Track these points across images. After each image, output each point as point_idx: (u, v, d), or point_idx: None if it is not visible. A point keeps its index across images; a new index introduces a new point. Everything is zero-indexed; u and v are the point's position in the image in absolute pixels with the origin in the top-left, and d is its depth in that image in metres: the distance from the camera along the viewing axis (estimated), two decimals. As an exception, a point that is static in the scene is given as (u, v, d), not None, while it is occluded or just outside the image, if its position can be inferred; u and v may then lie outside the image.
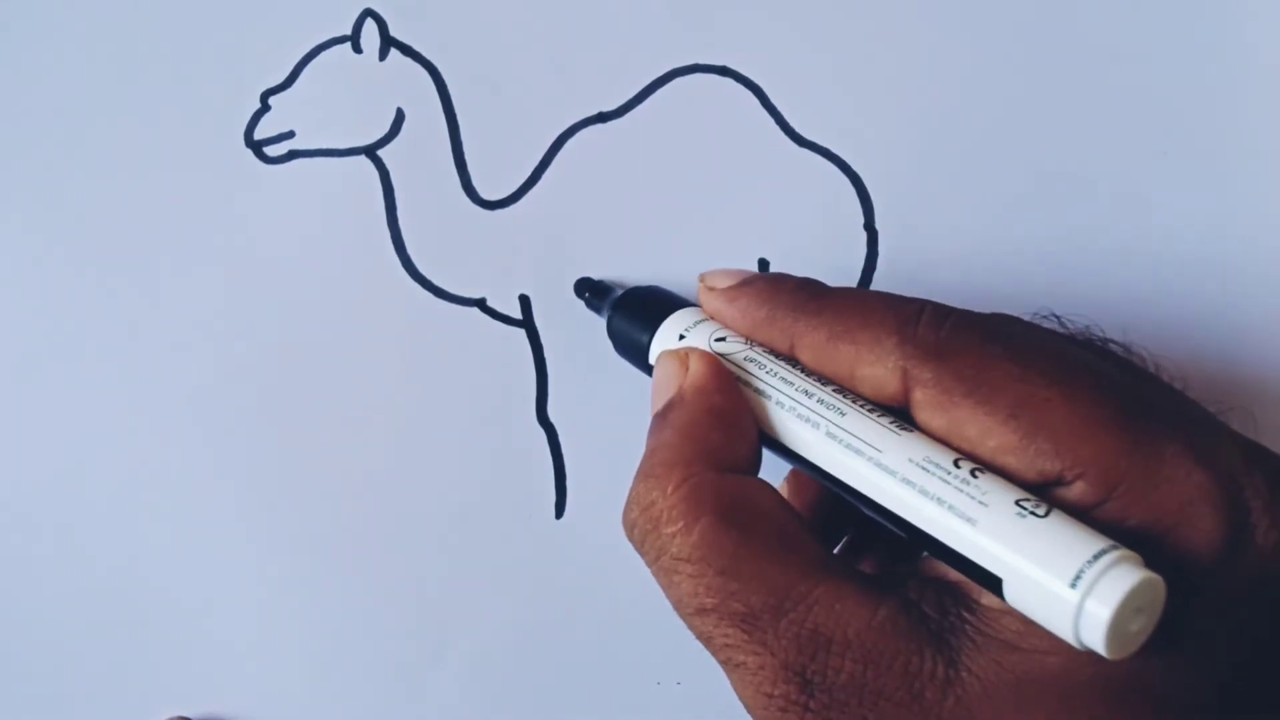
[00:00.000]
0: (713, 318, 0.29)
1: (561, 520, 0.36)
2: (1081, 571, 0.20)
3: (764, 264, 0.35)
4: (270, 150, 0.36)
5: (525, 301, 0.36)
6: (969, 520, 0.22)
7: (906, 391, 0.24)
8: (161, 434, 0.36)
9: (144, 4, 0.36)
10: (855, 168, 0.35)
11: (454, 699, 0.36)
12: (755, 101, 0.35)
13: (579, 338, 0.35)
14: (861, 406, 0.25)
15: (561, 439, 0.36)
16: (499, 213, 0.36)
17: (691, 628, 0.24)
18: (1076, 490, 0.21)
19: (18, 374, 0.36)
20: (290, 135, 0.36)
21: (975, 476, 0.22)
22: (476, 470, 0.36)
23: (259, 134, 0.36)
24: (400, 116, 0.36)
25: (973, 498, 0.22)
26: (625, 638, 0.36)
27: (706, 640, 0.24)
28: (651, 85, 0.35)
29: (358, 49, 0.36)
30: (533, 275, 0.36)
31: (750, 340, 0.28)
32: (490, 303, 0.36)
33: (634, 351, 0.31)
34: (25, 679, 0.37)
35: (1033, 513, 0.21)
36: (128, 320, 0.36)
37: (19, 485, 0.36)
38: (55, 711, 0.37)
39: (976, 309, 0.25)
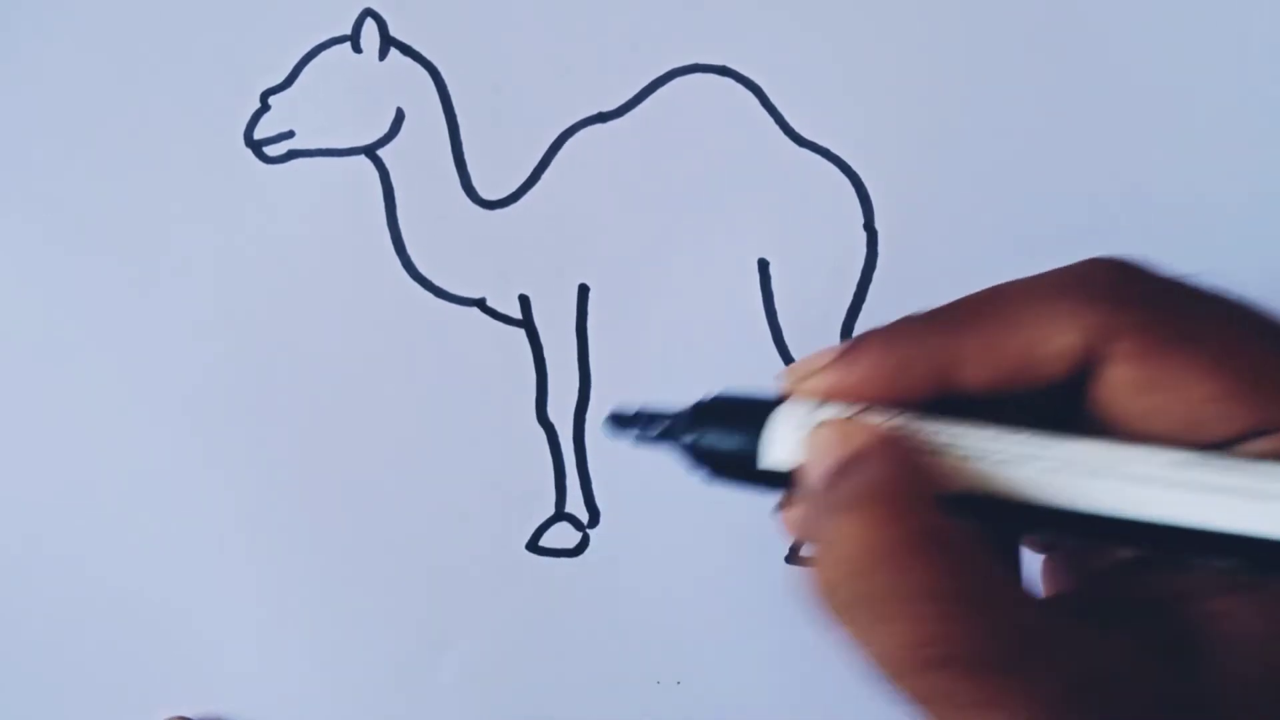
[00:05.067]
0: (826, 398, 0.25)
1: (561, 520, 0.36)
2: None
3: (764, 264, 0.35)
4: (270, 150, 0.36)
5: (525, 301, 0.36)
6: (1268, 499, 0.20)
7: (1096, 349, 0.22)
8: (161, 434, 0.36)
9: (144, 4, 0.36)
10: (855, 168, 0.35)
11: (454, 699, 0.36)
12: (755, 101, 0.35)
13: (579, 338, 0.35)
14: (1051, 434, 0.23)
15: (561, 439, 0.36)
16: (499, 213, 0.36)
17: (914, 687, 0.21)
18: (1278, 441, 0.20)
19: (18, 374, 0.36)
20: (290, 135, 0.36)
21: (1232, 459, 0.20)
22: (476, 470, 0.36)
23: (259, 134, 0.36)
24: (400, 116, 0.36)
25: (1263, 492, 0.20)
26: (625, 637, 0.36)
27: (938, 699, 0.20)
28: (651, 85, 0.35)
29: (357, 49, 0.36)
30: (533, 275, 0.36)
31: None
32: (490, 303, 0.36)
33: (735, 465, 0.26)
34: (25, 679, 0.37)
35: None
36: (127, 320, 0.36)
37: (19, 485, 0.36)
38: (55, 711, 0.37)
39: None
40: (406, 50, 0.36)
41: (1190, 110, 0.34)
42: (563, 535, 0.36)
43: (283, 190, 0.36)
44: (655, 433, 0.28)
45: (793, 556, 0.36)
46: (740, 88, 0.35)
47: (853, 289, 0.35)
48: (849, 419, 0.24)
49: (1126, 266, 0.23)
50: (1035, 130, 0.34)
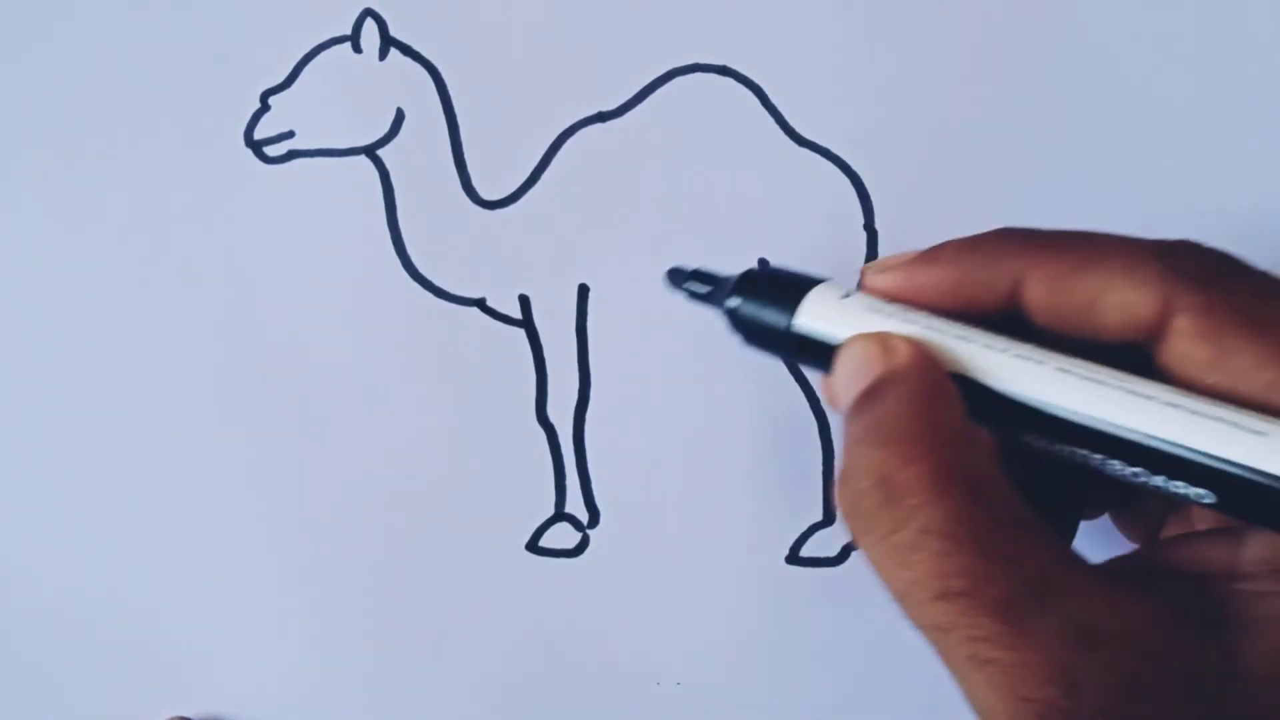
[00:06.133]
0: (896, 296, 0.26)
1: (561, 520, 0.36)
2: None
3: (764, 264, 0.35)
4: (270, 150, 0.36)
5: (525, 301, 0.36)
6: (1258, 432, 0.20)
7: (1164, 319, 0.22)
8: (160, 434, 0.36)
9: (144, 4, 0.36)
10: (855, 168, 0.35)
11: (454, 699, 0.36)
12: (755, 101, 0.35)
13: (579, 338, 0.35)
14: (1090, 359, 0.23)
15: (561, 439, 0.36)
16: (499, 213, 0.36)
17: (923, 617, 0.21)
18: None
19: (18, 374, 0.36)
20: (290, 135, 0.36)
21: (1241, 410, 0.21)
22: (476, 470, 0.36)
23: (259, 134, 0.36)
24: (400, 116, 0.36)
25: (1254, 427, 0.20)
26: (625, 637, 0.36)
27: (944, 631, 0.21)
28: (651, 85, 0.35)
29: (357, 49, 0.36)
30: (533, 275, 0.36)
31: (928, 318, 0.25)
32: (490, 303, 0.36)
33: (774, 339, 0.28)
34: (25, 679, 0.37)
35: None
36: (126, 320, 0.36)
37: (19, 485, 0.36)
38: (55, 711, 0.37)
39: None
40: (406, 50, 0.36)
41: (1191, 111, 0.34)
42: (563, 535, 0.36)
43: (283, 190, 0.36)
44: (703, 293, 0.30)
45: (793, 557, 0.36)
46: (740, 88, 0.35)
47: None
48: (878, 334, 0.24)
49: (1211, 252, 0.23)
50: (1035, 130, 0.34)
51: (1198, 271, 0.22)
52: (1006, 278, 0.24)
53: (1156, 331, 0.22)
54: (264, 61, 0.36)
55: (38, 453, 0.36)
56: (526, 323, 0.36)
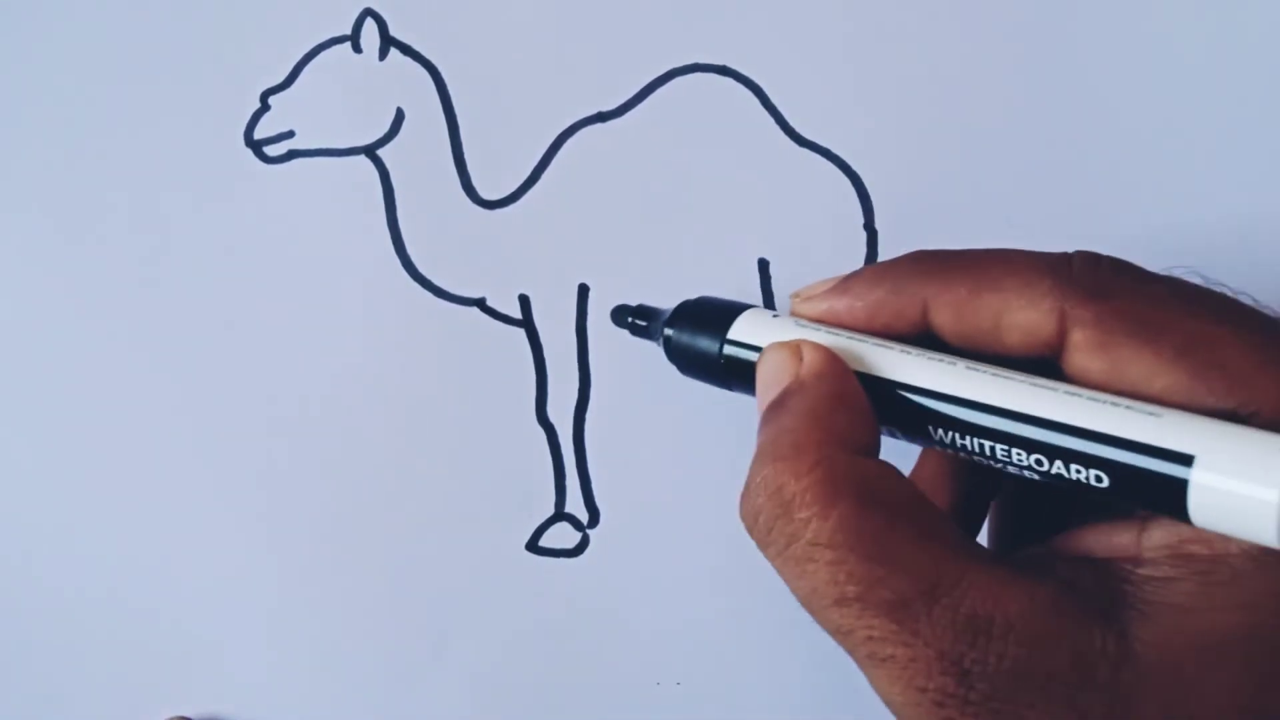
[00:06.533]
0: (820, 322, 0.27)
1: (561, 520, 0.36)
2: (1276, 462, 0.19)
3: (764, 264, 0.35)
4: (270, 150, 0.36)
5: (525, 301, 0.36)
6: (1152, 414, 0.21)
7: (1062, 335, 0.23)
8: (160, 434, 0.36)
9: (144, 4, 0.36)
10: (855, 168, 0.35)
11: (454, 699, 0.36)
12: (755, 101, 0.35)
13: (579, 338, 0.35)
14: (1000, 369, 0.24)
15: (561, 439, 0.36)
16: (499, 212, 0.36)
17: (826, 622, 0.23)
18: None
19: (18, 374, 0.36)
20: (290, 135, 0.36)
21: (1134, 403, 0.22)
22: (476, 470, 0.36)
23: (259, 134, 0.36)
24: (400, 116, 0.36)
25: (1146, 410, 0.21)
26: (625, 637, 0.36)
27: (845, 634, 0.22)
28: (651, 85, 0.35)
29: (357, 49, 0.36)
30: (533, 275, 0.36)
31: (850, 333, 0.27)
32: (490, 302, 0.36)
33: (704, 364, 0.30)
34: (25, 679, 0.37)
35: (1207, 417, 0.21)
36: (126, 319, 0.36)
37: (19, 485, 0.36)
38: (55, 711, 0.37)
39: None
40: (406, 50, 0.36)
41: (1191, 111, 0.34)
42: (562, 535, 0.36)
43: (283, 190, 0.36)
44: (644, 326, 0.32)
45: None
46: (740, 88, 0.35)
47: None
48: (791, 343, 0.26)
49: (1101, 260, 0.23)
50: (1035, 130, 0.34)
51: (1090, 284, 0.23)
52: (915, 305, 0.25)
53: (1057, 347, 0.23)
54: (264, 61, 0.36)
55: (38, 452, 0.36)
56: (526, 323, 0.36)
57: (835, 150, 0.35)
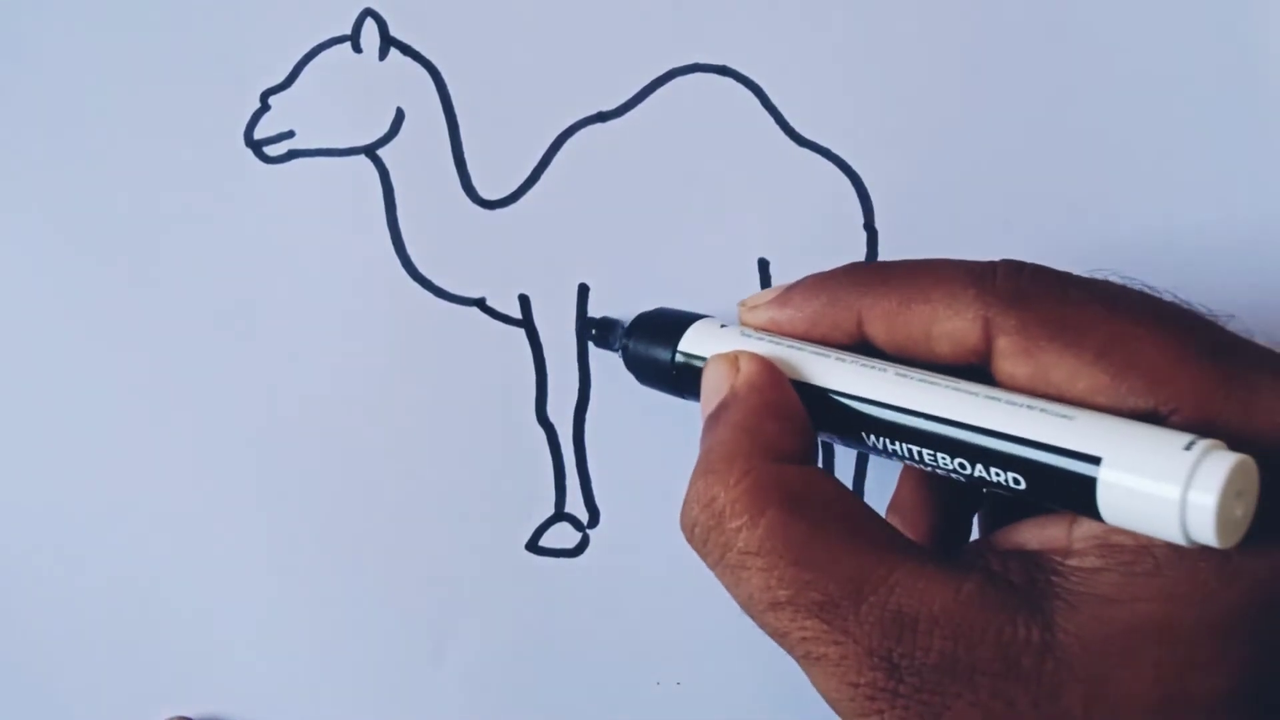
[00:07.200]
0: (766, 331, 0.28)
1: (561, 520, 0.36)
2: (1178, 461, 0.20)
3: (764, 264, 0.35)
4: (270, 150, 0.36)
5: (525, 301, 0.36)
6: (1065, 417, 0.22)
7: (988, 342, 0.24)
8: (160, 434, 0.36)
9: (144, 4, 0.36)
10: (855, 168, 0.35)
11: (454, 699, 0.36)
12: (755, 101, 0.35)
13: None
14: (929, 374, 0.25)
15: (561, 439, 0.36)
16: (499, 212, 0.36)
17: (764, 625, 0.24)
18: (1172, 426, 0.21)
19: (18, 373, 0.36)
20: (290, 135, 0.36)
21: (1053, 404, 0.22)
22: (476, 470, 0.36)
23: (259, 134, 0.36)
24: (400, 116, 0.36)
25: (1060, 413, 0.22)
26: (625, 637, 0.36)
27: (782, 636, 0.23)
28: (651, 85, 0.35)
29: (357, 49, 0.36)
30: (533, 275, 0.36)
31: (793, 342, 0.27)
32: (490, 302, 0.36)
33: (658, 373, 0.31)
34: (25, 679, 0.37)
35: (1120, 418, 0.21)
36: (126, 319, 0.36)
37: (18, 485, 0.36)
38: (55, 711, 0.37)
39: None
40: (406, 50, 0.36)
41: (1192, 112, 0.34)
42: (562, 535, 0.36)
43: (283, 190, 0.36)
44: (606, 338, 0.34)
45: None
46: (740, 88, 0.35)
47: (853, 289, 0.35)
48: (730, 355, 0.27)
49: (1024, 268, 0.24)
50: (1035, 130, 0.34)
51: (1012, 292, 0.23)
52: (850, 316, 0.26)
53: (985, 354, 0.24)
54: (264, 61, 0.36)
55: (37, 452, 0.36)
56: (526, 323, 0.36)
57: (835, 150, 0.35)
